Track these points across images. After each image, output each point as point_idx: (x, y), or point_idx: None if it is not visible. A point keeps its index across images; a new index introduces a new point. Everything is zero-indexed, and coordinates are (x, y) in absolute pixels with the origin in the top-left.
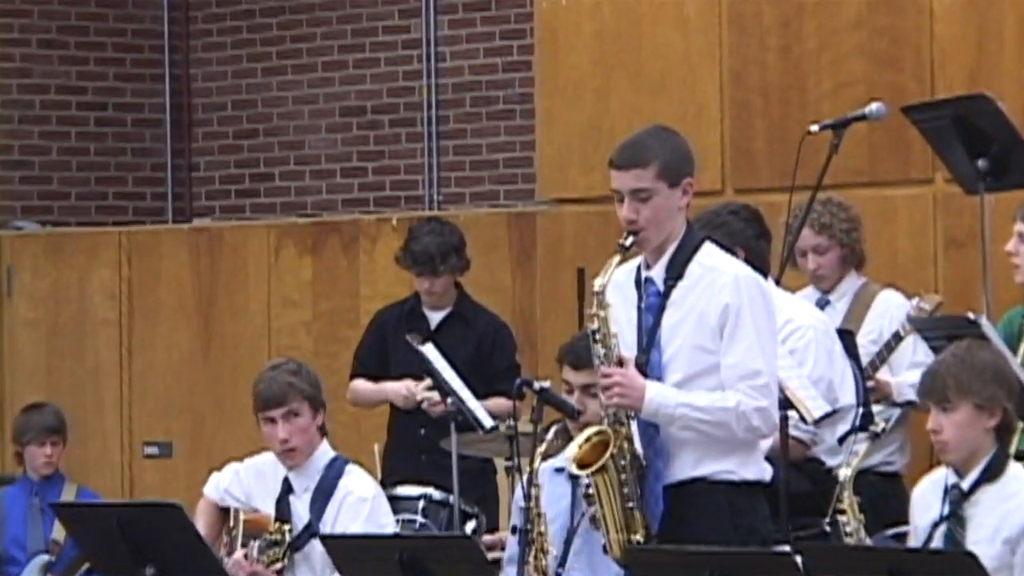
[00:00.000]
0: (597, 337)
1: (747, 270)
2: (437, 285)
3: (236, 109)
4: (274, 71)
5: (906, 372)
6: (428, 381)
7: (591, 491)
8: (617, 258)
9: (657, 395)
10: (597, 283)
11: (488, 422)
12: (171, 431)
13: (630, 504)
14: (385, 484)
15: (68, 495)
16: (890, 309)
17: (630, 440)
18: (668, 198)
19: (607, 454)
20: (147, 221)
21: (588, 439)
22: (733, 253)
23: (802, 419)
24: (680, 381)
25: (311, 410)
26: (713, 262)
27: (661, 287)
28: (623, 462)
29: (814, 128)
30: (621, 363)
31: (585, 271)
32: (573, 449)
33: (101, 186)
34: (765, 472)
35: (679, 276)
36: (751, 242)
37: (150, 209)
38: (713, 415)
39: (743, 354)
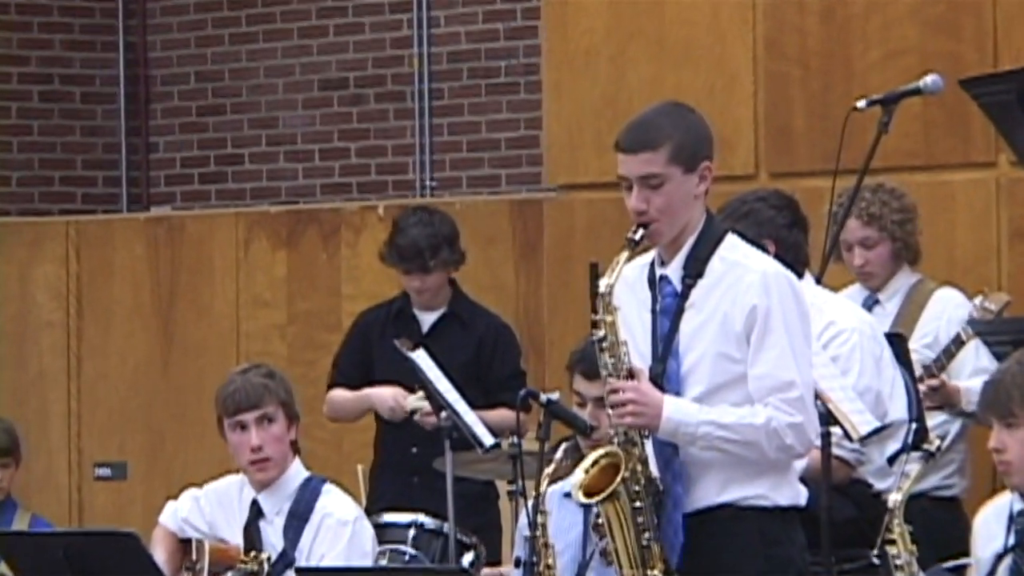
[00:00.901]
0: (604, 346)
1: (776, 266)
2: (429, 282)
3: (200, 81)
4: (243, 38)
5: (969, 379)
6: (421, 392)
7: (601, 521)
8: (625, 254)
9: (676, 411)
10: (603, 284)
11: (488, 439)
12: (126, 449)
13: (646, 535)
14: (371, 510)
15: (20, 524)
16: (947, 309)
17: (644, 462)
18: (683, 184)
19: (618, 479)
20: (98, 210)
21: (596, 462)
22: (762, 247)
23: (846, 436)
24: (701, 394)
25: (286, 419)
26: (737, 257)
27: (678, 286)
28: (636, 488)
29: (861, 104)
30: (632, 375)
31: (599, 266)
32: (579, 475)
33: (46, 170)
34: (800, 496)
35: (699, 274)
36: (782, 232)
37: (102, 196)
38: (741, 433)
39: (773, 363)
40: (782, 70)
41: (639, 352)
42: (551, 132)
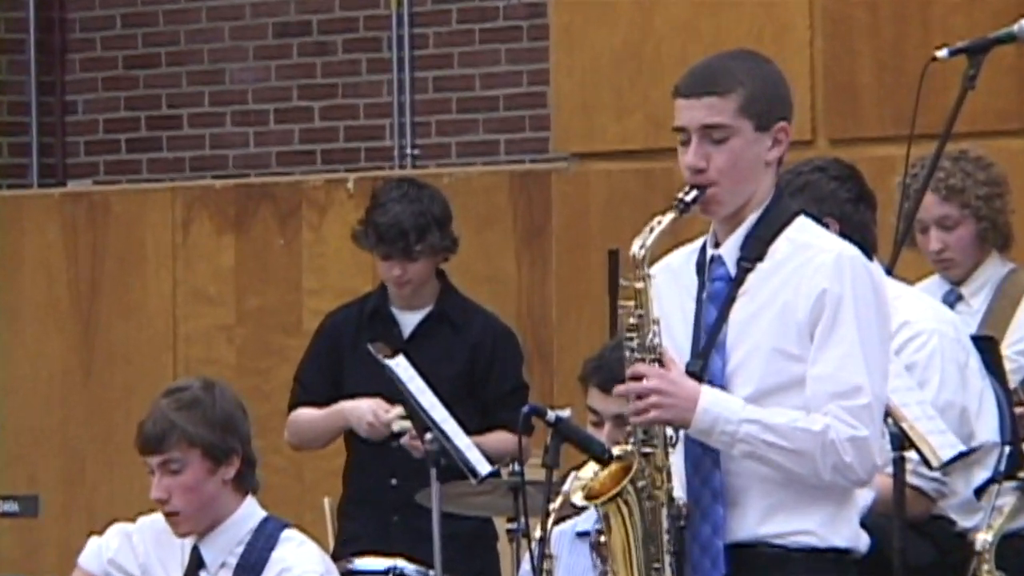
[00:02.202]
0: (631, 321)
1: (855, 251)
2: (412, 272)
3: (127, 27)
4: None
5: None
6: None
7: (604, 540)
8: (671, 216)
9: (715, 403)
10: (636, 245)
11: (484, 467)
12: (37, 480)
13: (656, 565)
14: (339, 555)
15: None
16: None
17: (668, 474)
18: (752, 144)
19: (625, 480)
20: (3, 184)
21: (606, 465)
22: (823, 226)
23: (924, 462)
24: (748, 398)
25: (207, 461)
26: (809, 238)
27: (732, 270)
28: (649, 503)
29: (942, 54)
30: (661, 362)
31: (619, 254)
32: (587, 474)
33: None
34: (860, 539)
35: (759, 257)
36: (846, 208)
37: (7, 168)
38: (791, 440)
39: (838, 362)
40: (845, 13)
41: (677, 347)
42: (560, 89)
